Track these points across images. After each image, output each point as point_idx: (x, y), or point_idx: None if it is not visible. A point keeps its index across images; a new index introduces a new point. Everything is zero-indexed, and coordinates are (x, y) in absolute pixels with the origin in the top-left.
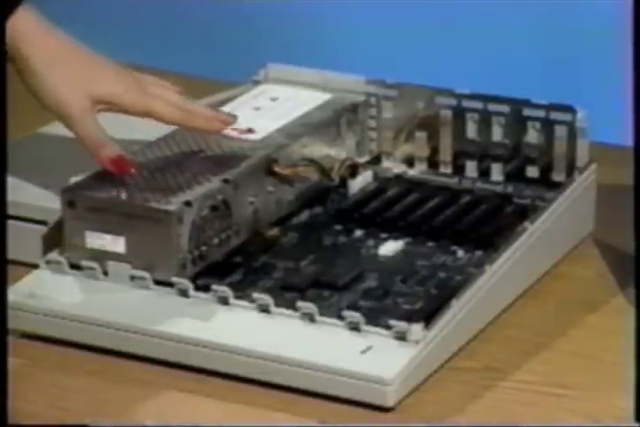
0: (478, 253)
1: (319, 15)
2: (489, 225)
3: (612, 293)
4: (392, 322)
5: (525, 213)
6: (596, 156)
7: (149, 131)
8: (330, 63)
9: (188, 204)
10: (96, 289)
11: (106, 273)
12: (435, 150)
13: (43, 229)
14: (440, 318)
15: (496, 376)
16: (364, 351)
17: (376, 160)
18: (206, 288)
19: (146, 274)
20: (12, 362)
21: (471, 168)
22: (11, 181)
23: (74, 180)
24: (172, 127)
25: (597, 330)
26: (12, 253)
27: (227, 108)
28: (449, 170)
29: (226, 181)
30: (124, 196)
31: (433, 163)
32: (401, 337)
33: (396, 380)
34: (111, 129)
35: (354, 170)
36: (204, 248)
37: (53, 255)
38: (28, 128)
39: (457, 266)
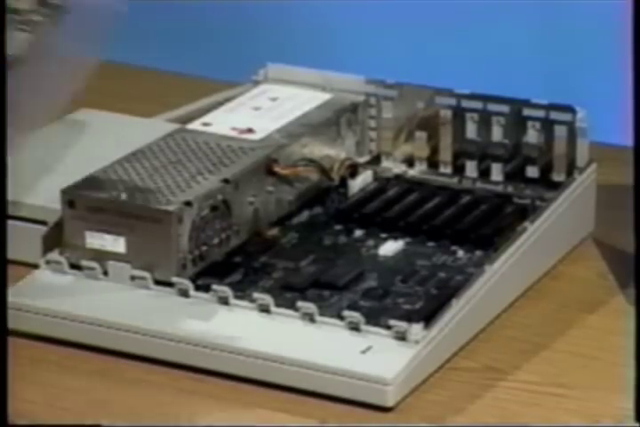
0: (478, 253)
1: (319, 15)
2: (489, 225)
3: (612, 293)
4: (392, 322)
5: (525, 213)
6: (596, 156)
7: (142, 135)
8: (330, 63)
9: (188, 204)
10: (96, 289)
11: (106, 273)
12: (435, 150)
13: (43, 229)
14: (440, 318)
15: (496, 376)
16: (364, 351)
17: (376, 160)
18: (206, 288)
19: (146, 274)
20: (12, 362)
21: (471, 168)
22: (11, 181)
23: (74, 180)
24: (171, 127)
25: (597, 330)
26: (12, 253)
27: (227, 108)
28: (449, 170)
29: (226, 181)
30: (123, 196)
31: (433, 163)
32: (401, 337)
33: (396, 380)
34: (104, 133)
35: (354, 170)
36: (204, 248)
37: (53, 255)
38: None
39: (457, 266)
